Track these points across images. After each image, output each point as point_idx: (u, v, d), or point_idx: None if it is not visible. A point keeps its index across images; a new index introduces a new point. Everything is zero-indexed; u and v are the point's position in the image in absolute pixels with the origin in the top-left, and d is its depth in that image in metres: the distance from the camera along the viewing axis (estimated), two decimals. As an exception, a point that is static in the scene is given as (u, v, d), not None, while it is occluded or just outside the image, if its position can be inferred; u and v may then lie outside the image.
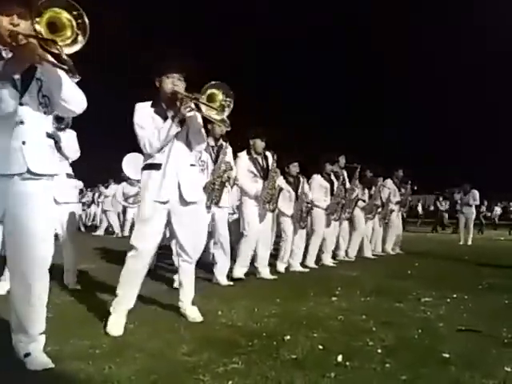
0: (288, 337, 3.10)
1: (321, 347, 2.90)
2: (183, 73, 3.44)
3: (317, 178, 7.16)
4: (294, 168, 6.55)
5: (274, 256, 6.59)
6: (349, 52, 45.80)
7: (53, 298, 3.99)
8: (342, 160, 7.74)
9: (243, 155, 5.74)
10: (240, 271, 5.58)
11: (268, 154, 5.85)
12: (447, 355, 2.78)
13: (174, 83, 3.37)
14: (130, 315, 3.44)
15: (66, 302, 3.98)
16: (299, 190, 6.50)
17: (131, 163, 8.37)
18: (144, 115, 3.37)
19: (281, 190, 5.81)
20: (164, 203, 3.34)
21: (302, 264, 6.72)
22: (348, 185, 7.67)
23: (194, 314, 3.57)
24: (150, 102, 3.44)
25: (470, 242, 12.60)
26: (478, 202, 13.60)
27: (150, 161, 3.40)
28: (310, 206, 6.58)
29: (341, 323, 3.53)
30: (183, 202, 3.40)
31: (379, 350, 2.86)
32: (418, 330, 3.31)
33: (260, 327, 3.37)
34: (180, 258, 3.58)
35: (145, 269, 3.38)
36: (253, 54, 44.61)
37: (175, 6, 41.73)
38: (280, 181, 6.37)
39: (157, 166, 3.35)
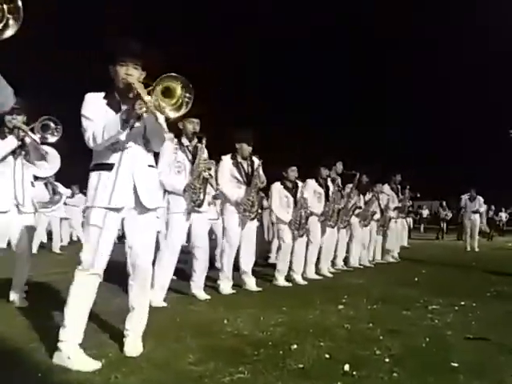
0: (294, 346, 3.08)
1: (327, 356, 2.89)
2: (139, 60, 2.94)
3: (310, 183, 6.78)
4: (293, 173, 6.29)
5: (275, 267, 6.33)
6: (352, 52, 45.71)
7: (57, 307, 4.01)
8: (340, 166, 7.44)
9: (227, 159, 5.44)
10: (227, 286, 5.31)
11: (254, 158, 5.58)
12: (455, 364, 2.77)
13: (127, 72, 2.89)
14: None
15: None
16: (298, 196, 6.26)
17: None
18: (95, 107, 2.89)
19: (262, 198, 5.59)
20: (117, 210, 2.86)
21: (302, 275, 6.41)
22: (344, 191, 7.48)
23: (132, 348, 2.92)
24: (102, 93, 2.97)
25: (477, 249, 12.54)
26: (484, 209, 13.58)
27: (99, 160, 2.90)
28: (309, 212, 6.32)
29: (347, 332, 3.51)
30: (140, 208, 2.92)
31: (387, 359, 2.85)
32: (425, 339, 3.29)
33: (266, 336, 3.36)
34: (130, 276, 2.99)
35: (95, 287, 2.84)
36: (256, 53, 44.51)
37: (178, 5, 41.68)
38: (277, 186, 6.23)
39: (108, 167, 2.86)
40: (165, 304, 4.43)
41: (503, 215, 23.97)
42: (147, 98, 2.69)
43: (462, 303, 4.58)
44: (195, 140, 4.84)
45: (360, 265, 8.18)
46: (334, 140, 30.03)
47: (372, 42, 44.81)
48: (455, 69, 42.27)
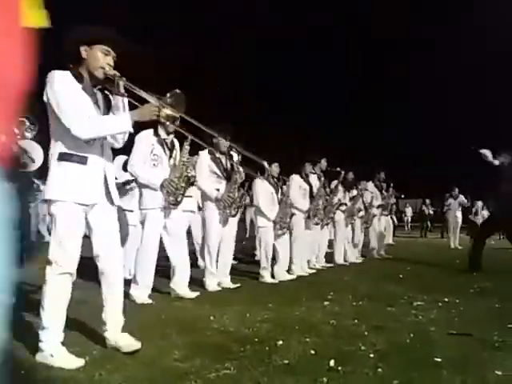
0: (280, 342, 3.10)
1: (313, 352, 2.91)
2: (118, 51, 2.81)
3: (296, 179, 6.70)
4: (276, 168, 6.23)
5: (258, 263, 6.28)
6: (349, 52, 45.76)
7: (39, 303, 4.00)
8: (324, 163, 7.40)
9: (204, 154, 5.27)
10: (213, 283, 5.26)
11: (233, 153, 5.44)
12: (439, 359, 2.79)
13: (110, 63, 2.76)
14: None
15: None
16: (283, 193, 6.21)
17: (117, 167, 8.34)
18: (72, 88, 2.67)
19: (243, 194, 5.41)
20: (87, 205, 2.76)
21: (288, 271, 6.40)
22: (328, 188, 7.49)
23: (127, 341, 2.91)
24: (68, 72, 2.71)
25: (459, 246, 12.58)
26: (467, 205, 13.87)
27: (70, 151, 2.69)
28: (293, 211, 6.31)
29: (333, 328, 3.53)
30: (109, 203, 2.87)
31: (371, 355, 2.86)
32: (409, 334, 3.30)
33: (252, 332, 3.37)
34: (102, 275, 2.92)
35: (70, 285, 2.76)
36: (253, 53, 44.54)
37: (175, 6, 41.66)
38: (261, 182, 6.14)
39: (82, 160, 2.70)
40: (150, 301, 4.42)
41: (485, 213, 23.90)
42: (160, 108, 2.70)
43: (446, 300, 4.59)
44: (172, 136, 4.71)
45: (345, 261, 8.18)
46: (330, 140, 30.04)
47: (369, 42, 44.87)
48: (452, 69, 42.31)
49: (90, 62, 2.75)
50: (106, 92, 2.89)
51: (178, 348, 2.94)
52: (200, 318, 3.73)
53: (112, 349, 2.91)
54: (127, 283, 4.61)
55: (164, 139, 4.64)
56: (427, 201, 22.24)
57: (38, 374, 2.49)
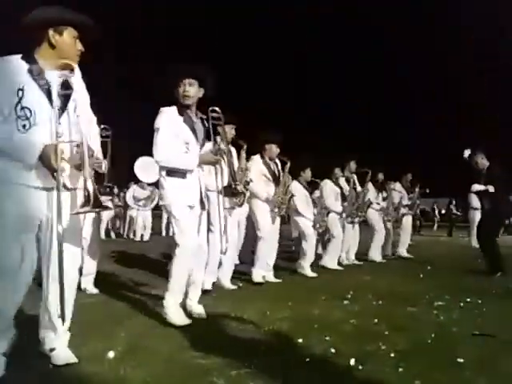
0: (300, 340, 3.09)
1: (333, 351, 2.90)
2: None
3: (328, 184, 7.29)
4: (310, 173, 6.73)
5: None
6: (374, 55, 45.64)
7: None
8: (353, 165, 7.71)
9: (257, 158, 5.74)
10: (259, 275, 5.58)
11: (277, 160, 5.94)
12: (461, 360, 2.75)
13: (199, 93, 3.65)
14: (144, 318, 3.48)
15: (84, 304, 4.00)
16: (316, 195, 6.74)
17: (143, 167, 8.57)
18: (170, 124, 3.54)
19: (292, 196, 5.85)
20: (192, 207, 3.58)
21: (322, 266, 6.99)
22: (359, 189, 7.75)
23: (200, 310, 3.78)
24: (174, 108, 3.61)
25: (477, 245, 12.38)
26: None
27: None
28: (326, 211, 6.96)
29: (353, 327, 3.52)
30: (202, 205, 3.69)
31: (392, 354, 2.84)
32: (431, 335, 3.27)
33: (272, 330, 3.37)
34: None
35: (191, 261, 3.59)
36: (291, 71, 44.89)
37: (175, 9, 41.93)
38: (297, 186, 6.49)
39: (181, 175, 3.55)
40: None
41: None
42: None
43: (468, 300, 4.52)
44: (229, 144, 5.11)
45: (384, 258, 8.48)
46: (358, 141, 29.94)
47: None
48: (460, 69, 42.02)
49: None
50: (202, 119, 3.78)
51: (200, 345, 2.94)
52: (221, 315, 3.75)
53: (135, 345, 2.94)
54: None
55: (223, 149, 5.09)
56: (453, 201, 21.99)
57: (67, 370, 2.51)
